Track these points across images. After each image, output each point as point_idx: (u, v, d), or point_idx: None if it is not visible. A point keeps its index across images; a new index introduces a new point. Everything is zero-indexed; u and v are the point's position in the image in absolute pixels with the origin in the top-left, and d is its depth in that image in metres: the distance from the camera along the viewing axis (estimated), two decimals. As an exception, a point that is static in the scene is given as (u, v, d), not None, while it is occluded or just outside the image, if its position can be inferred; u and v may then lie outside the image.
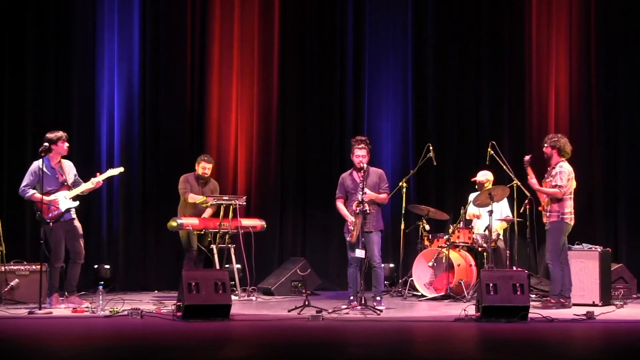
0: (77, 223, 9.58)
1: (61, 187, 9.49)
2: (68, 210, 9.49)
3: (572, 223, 9.59)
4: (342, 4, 12.34)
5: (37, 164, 9.45)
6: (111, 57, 11.78)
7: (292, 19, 12.27)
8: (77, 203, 9.54)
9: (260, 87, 12.15)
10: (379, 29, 12.36)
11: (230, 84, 12.10)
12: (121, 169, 9.92)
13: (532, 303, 8.84)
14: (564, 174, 9.50)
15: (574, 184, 9.63)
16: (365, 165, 9.29)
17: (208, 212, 10.63)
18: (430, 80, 12.30)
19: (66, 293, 9.51)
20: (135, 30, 11.85)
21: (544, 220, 9.68)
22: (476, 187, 10.99)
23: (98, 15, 11.77)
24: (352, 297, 9.32)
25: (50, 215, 9.39)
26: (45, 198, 9.28)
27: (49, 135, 9.50)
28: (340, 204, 9.51)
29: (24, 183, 9.50)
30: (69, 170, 9.65)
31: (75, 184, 9.62)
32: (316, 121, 12.26)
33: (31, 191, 9.44)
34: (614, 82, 12.06)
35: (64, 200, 9.46)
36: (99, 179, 9.60)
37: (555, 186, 9.49)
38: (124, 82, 11.82)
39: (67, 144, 9.56)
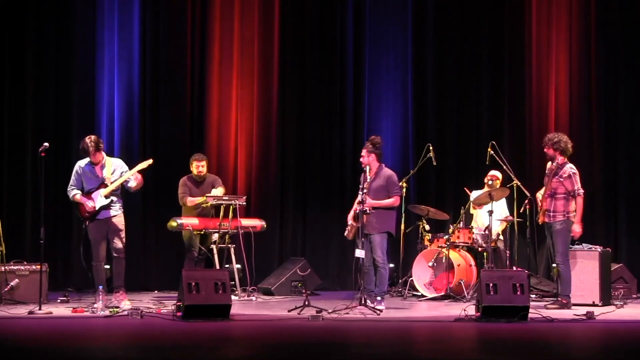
0: (116, 219, 9.57)
1: (101, 186, 9.56)
2: (102, 209, 9.52)
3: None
4: (342, 3, 12.32)
5: (78, 163, 9.63)
6: (111, 57, 11.77)
7: (292, 19, 12.26)
8: (107, 201, 9.51)
9: (260, 87, 12.14)
10: (379, 29, 12.34)
11: (230, 84, 12.09)
12: (150, 161, 9.85)
13: (541, 302, 8.81)
14: (576, 175, 9.52)
15: None
16: (366, 167, 9.32)
17: (219, 191, 10.56)
18: (430, 80, 12.29)
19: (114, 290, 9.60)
20: (135, 30, 11.84)
21: (545, 220, 9.65)
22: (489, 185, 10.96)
23: (98, 16, 11.76)
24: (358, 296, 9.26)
25: (85, 214, 9.53)
26: (81, 198, 9.47)
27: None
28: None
29: (69, 183, 9.67)
30: (116, 167, 9.66)
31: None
32: (316, 121, 12.25)
33: (73, 192, 9.58)
34: (614, 82, 12.06)
35: (100, 199, 9.52)
36: (133, 171, 9.59)
37: (575, 191, 9.47)
38: (124, 82, 11.81)
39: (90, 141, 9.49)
